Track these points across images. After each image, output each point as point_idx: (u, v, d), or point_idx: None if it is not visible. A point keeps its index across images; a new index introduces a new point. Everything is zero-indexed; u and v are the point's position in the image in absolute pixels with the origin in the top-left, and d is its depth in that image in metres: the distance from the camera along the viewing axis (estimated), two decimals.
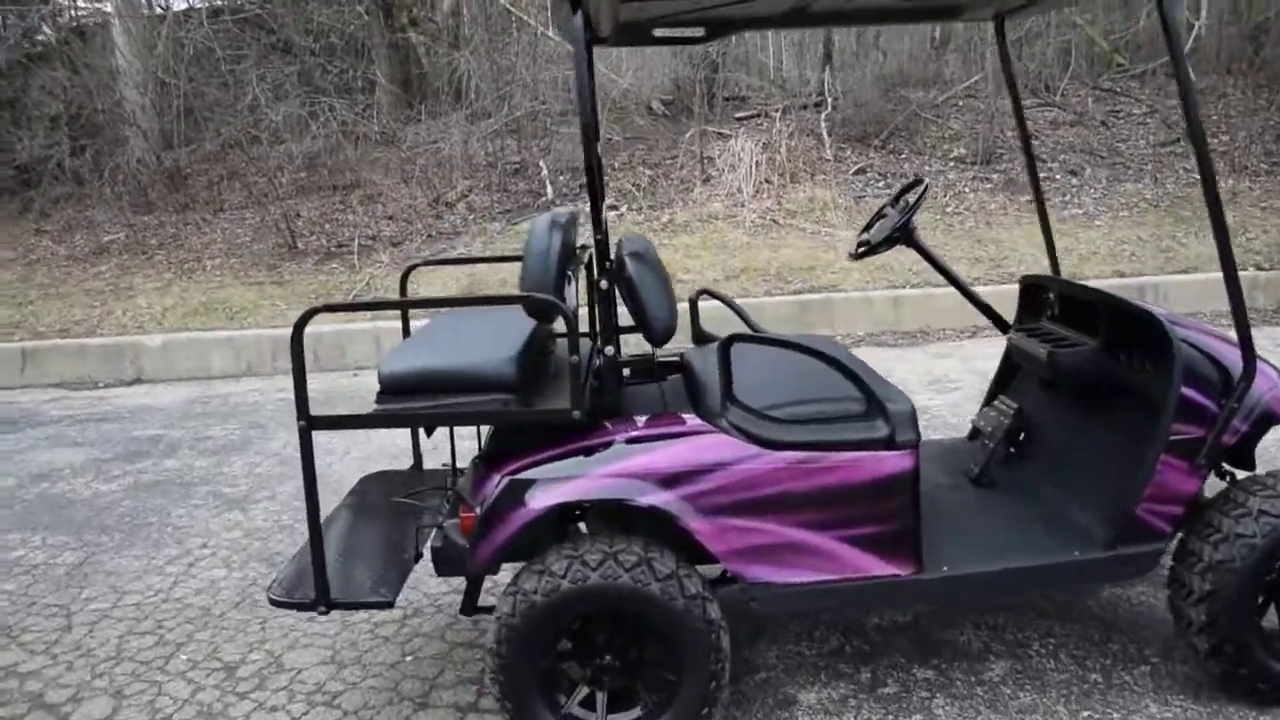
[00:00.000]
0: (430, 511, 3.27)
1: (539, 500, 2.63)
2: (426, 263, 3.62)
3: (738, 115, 11.04)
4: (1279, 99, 10.93)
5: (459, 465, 3.49)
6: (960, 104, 11.25)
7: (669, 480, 2.65)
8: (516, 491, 2.65)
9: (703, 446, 2.68)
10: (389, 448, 5.71)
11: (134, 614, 3.89)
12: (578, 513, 3.02)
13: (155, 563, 4.35)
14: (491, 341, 2.85)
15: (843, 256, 8.63)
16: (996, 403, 3.69)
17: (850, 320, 7.85)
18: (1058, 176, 10.03)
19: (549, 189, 9.92)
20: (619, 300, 2.90)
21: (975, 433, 3.73)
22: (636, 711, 2.76)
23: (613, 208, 9.71)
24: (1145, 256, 8.62)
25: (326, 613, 2.70)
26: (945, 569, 2.81)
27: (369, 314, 7.90)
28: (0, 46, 10.88)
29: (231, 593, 4.03)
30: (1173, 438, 2.83)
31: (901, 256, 8.57)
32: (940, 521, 2.98)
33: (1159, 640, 3.35)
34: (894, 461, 2.71)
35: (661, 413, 2.84)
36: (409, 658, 3.48)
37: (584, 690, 2.75)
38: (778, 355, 3.19)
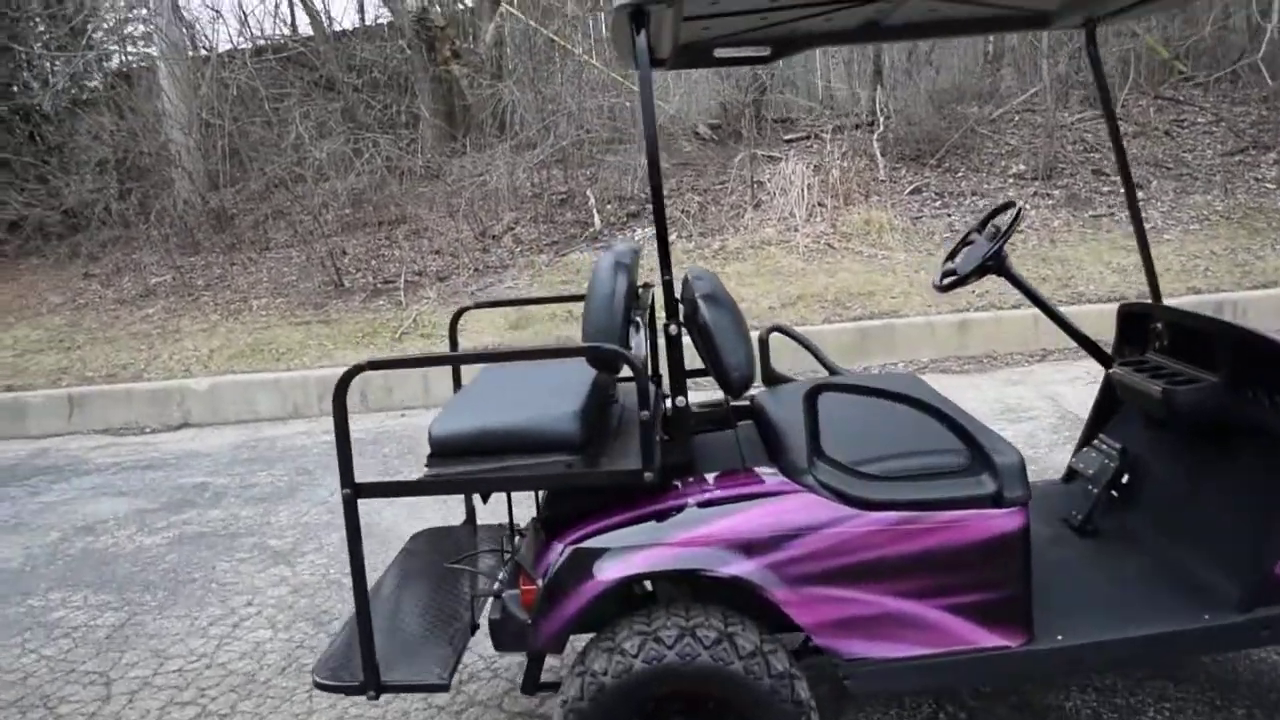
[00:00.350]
0: (485, 577, 3.04)
1: (608, 572, 2.38)
2: (478, 305, 3.40)
3: (787, 137, 10.80)
4: None
5: (516, 523, 3.25)
6: (1017, 118, 10.91)
7: (753, 547, 2.39)
8: (582, 562, 2.40)
9: (789, 508, 2.42)
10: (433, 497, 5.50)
11: (176, 681, 3.68)
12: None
13: (199, 623, 4.15)
14: (550, 395, 2.62)
15: (902, 280, 8.33)
16: (1096, 442, 3.38)
17: (913, 347, 7.53)
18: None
19: (596, 218, 9.73)
20: (685, 343, 2.66)
21: (1072, 474, 3.43)
22: None
23: None
24: (1220, 272, 8.22)
25: (376, 697, 2.47)
26: (1060, 638, 2.52)
27: (417, 349, 7.72)
28: (48, 92, 10.94)
29: (278, 657, 3.82)
30: None
31: None
32: (1047, 579, 2.68)
33: None
34: (1003, 521, 2.43)
35: (740, 470, 2.59)
36: None
37: None
38: (865, 400, 2.93)
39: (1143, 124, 10.70)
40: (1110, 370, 3.17)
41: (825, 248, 9.09)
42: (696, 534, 2.39)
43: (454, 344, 3.53)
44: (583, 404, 2.53)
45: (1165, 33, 11.46)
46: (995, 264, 3.13)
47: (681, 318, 2.45)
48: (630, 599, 2.86)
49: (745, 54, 3.27)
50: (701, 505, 2.44)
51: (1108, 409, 3.50)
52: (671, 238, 9.46)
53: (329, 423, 7.21)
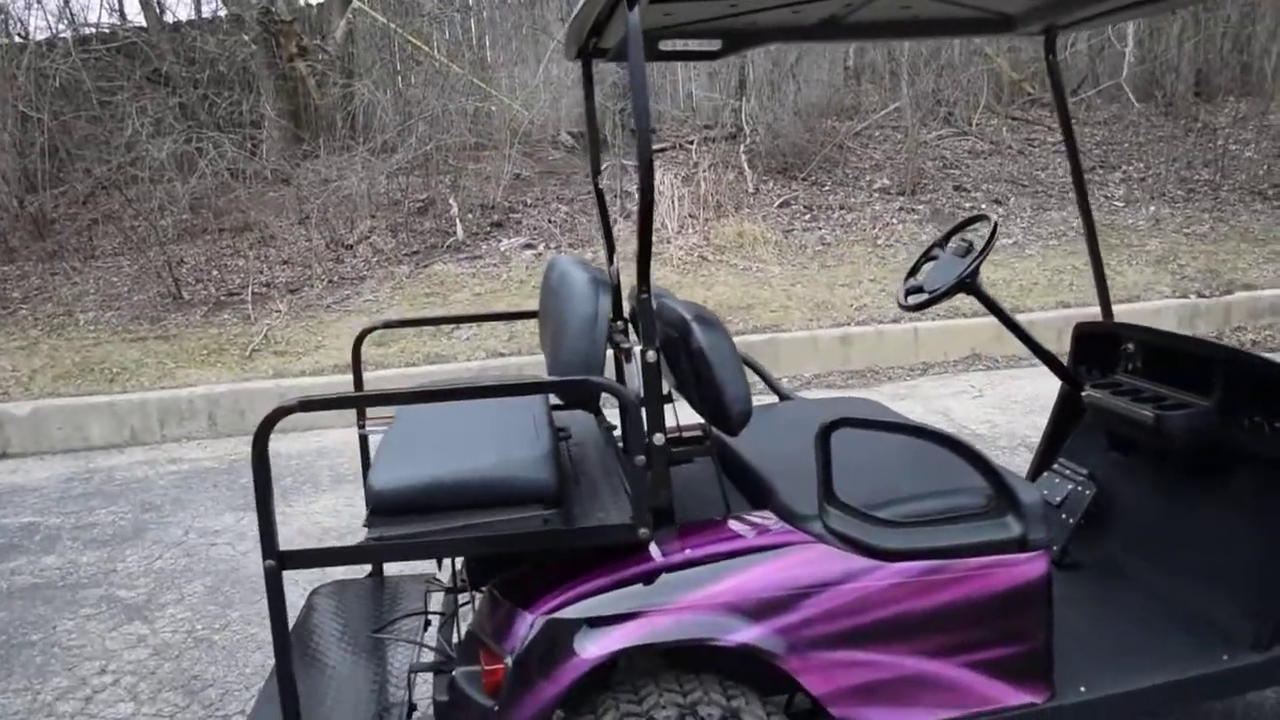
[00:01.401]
0: (413, 644, 2.60)
1: (595, 647, 2.01)
2: (387, 325, 2.94)
3: (654, 148, 10.58)
4: (1193, 126, 11.04)
5: (457, 578, 2.82)
6: (879, 134, 11.02)
7: (761, 610, 2.06)
8: (561, 636, 2.02)
9: (800, 562, 2.10)
10: (313, 528, 4.96)
11: None
12: None
13: (42, 699, 3.53)
14: (503, 437, 2.23)
15: (779, 293, 8.20)
16: (1058, 467, 3.21)
17: (797, 361, 7.39)
18: (983, 206, 9.84)
19: (459, 228, 9.25)
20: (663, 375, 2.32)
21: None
22: None
23: (529, 246, 9.11)
24: (1084, 286, 8.41)
25: None
26: (1083, 689, 2.29)
27: (305, 368, 7.11)
28: None
29: None
30: None
31: (843, 293, 8.19)
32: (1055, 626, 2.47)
33: None
34: (1028, 567, 2.18)
35: (729, 518, 2.26)
36: None
37: None
38: (858, 433, 2.65)
39: (996, 142, 10.98)
40: (1084, 393, 3.00)
41: (699, 260, 8.88)
42: (696, 598, 2.05)
43: (358, 368, 3.07)
44: (549, 445, 2.15)
45: (1015, 56, 11.82)
46: (971, 282, 2.91)
47: (659, 343, 2.10)
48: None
49: (692, 49, 2.97)
50: (696, 564, 2.10)
51: (1062, 431, 3.34)
52: (539, 248, 9.08)
53: (174, 450, 6.52)
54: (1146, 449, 2.99)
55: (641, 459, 1.99)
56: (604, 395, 2.10)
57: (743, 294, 8.19)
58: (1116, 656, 2.44)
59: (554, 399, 2.45)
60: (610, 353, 2.76)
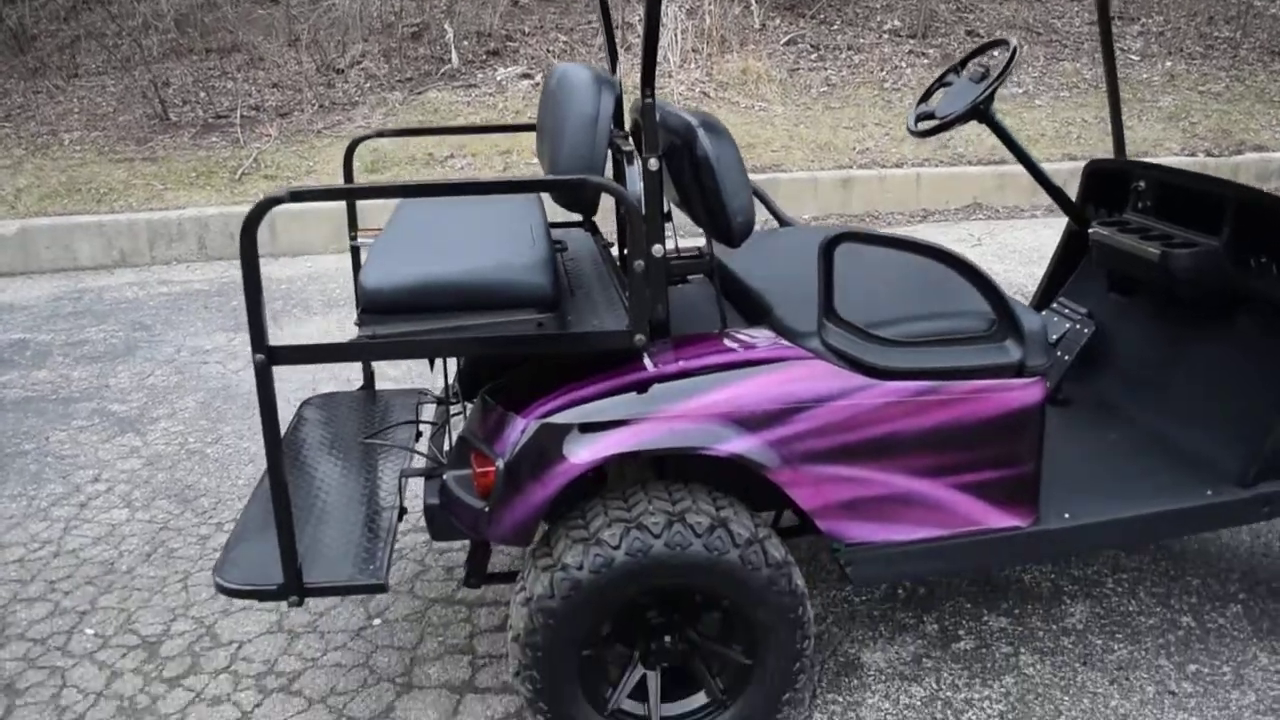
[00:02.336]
0: (405, 452, 2.61)
1: (587, 452, 2.00)
2: (380, 134, 2.84)
3: None
4: None
5: (450, 387, 2.81)
6: None
7: (755, 421, 2.05)
8: (552, 440, 2.01)
9: (796, 378, 2.08)
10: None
11: (17, 574, 3.14)
12: None
13: (37, 504, 3.57)
14: (501, 241, 2.17)
15: (782, 133, 8.02)
16: (1056, 306, 3.18)
17: (797, 203, 7.27)
18: (995, 53, 9.53)
19: (454, 55, 8.95)
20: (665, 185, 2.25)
21: None
22: (700, 699, 2.22)
23: (526, 76, 8.85)
24: (1092, 139, 8.24)
25: (300, 603, 2.05)
26: (1067, 517, 2.31)
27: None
28: None
29: (139, 541, 3.31)
30: None
31: (846, 136, 8.01)
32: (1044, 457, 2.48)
33: (1239, 573, 2.97)
34: (1024, 392, 2.17)
35: (725, 333, 2.22)
36: (376, 621, 2.86)
37: (633, 676, 2.19)
38: (863, 255, 2.60)
39: None
40: (1090, 230, 2.94)
41: (701, 96, 8.65)
42: (689, 407, 2.03)
43: (349, 177, 2.98)
44: (547, 251, 2.10)
45: None
46: (986, 108, 2.81)
47: (662, 151, 2.03)
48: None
49: None
50: (691, 374, 2.08)
51: (1065, 270, 3.29)
52: (536, 78, 8.82)
53: (164, 273, 6.46)
54: (1148, 290, 2.95)
55: (640, 264, 1.94)
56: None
57: (744, 133, 8.00)
58: (1102, 487, 2.45)
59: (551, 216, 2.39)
60: (610, 169, 2.67)
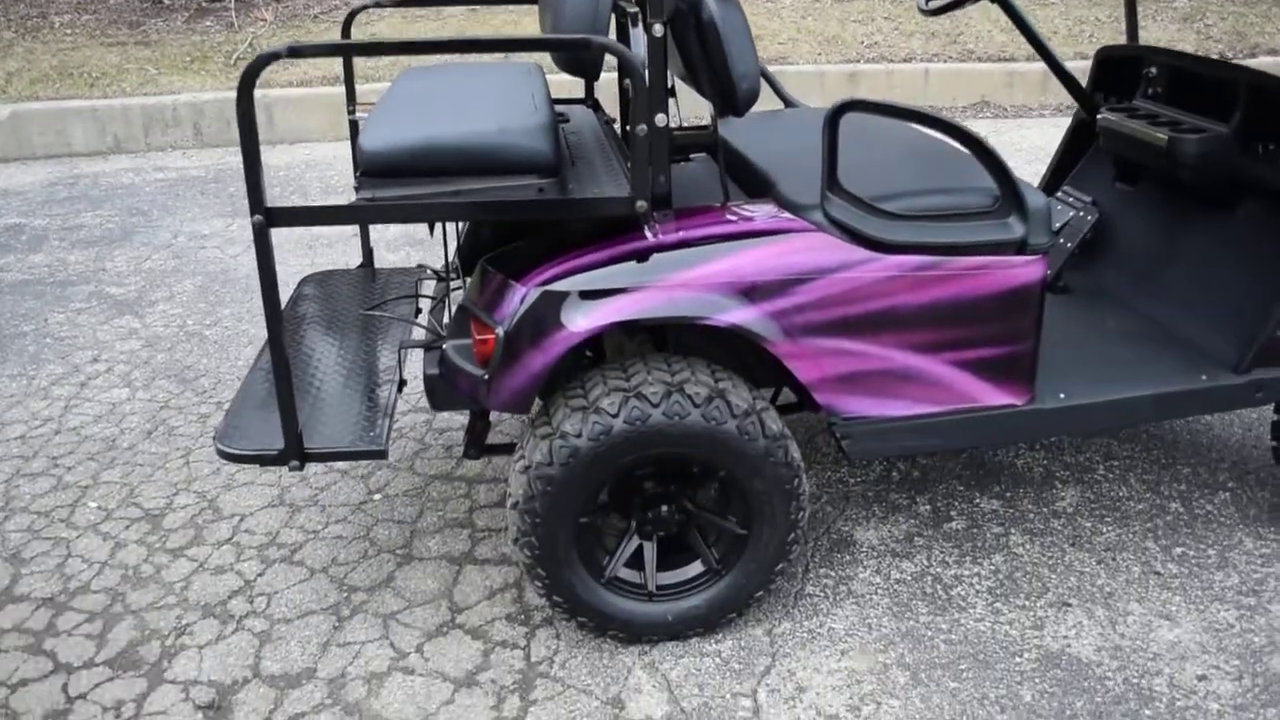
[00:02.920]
0: (405, 325, 2.61)
1: (587, 319, 2.00)
2: (378, 4, 2.77)
3: None
4: None
5: (433, 269, 2.80)
6: None
7: (755, 292, 2.05)
8: (552, 307, 2.01)
9: (797, 249, 2.07)
10: (304, 234, 4.92)
11: (19, 450, 3.17)
12: None
13: (37, 383, 3.59)
14: (502, 106, 2.13)
15: (789, 25, 7.86)
16: (1061, 194, 3.15)
17: (802, 96, 7.08)
18: None
19: None
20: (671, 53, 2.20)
21: None
22: (697, 567, 2.26)
23: None
24: (1105, 38, 8.06)
25: (301, 468, 2.07)
26: (1062, 397, 2.33)
27: (292, 79, 6.84)
28: None
29: (140, 419, 3.33)
30: None
31: (855, 29, 7.85)
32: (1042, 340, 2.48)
33: (1229, 462, 3.00)
34: (1025, 270, 2.16)
35: (727, 205, 2.20)
36: (377, 496, 2.89)
37: (629, 546, 2.23)
38: (868, 129, 2.57)
39: None
40: (1099, 116, 2.89)
41: None
42: (690, 276, 2.03)
43: (349, 67, 2.92)
44: (548, 116, 2.07)
45: None
46: None
47: (667, 16, 1.98)
48: (577, 358, 2.52)
49: None
50: (691, 244, 2.07)
51: (1071, 159, 3.26)
52: None
53: (159, 159, 6.39)
54: (1154, 178, 2.92)
55: (643, 128, 1.92)
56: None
57: (751, 24, 7.83)
58: (1098, 369, 2.46)
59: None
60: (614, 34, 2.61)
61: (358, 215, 1.95)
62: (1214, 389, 2.42)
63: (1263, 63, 7.74)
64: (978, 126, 6.87)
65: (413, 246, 4.71)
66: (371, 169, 1.97)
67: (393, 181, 1.97)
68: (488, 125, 1.99)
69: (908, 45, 7.56)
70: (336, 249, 4.72)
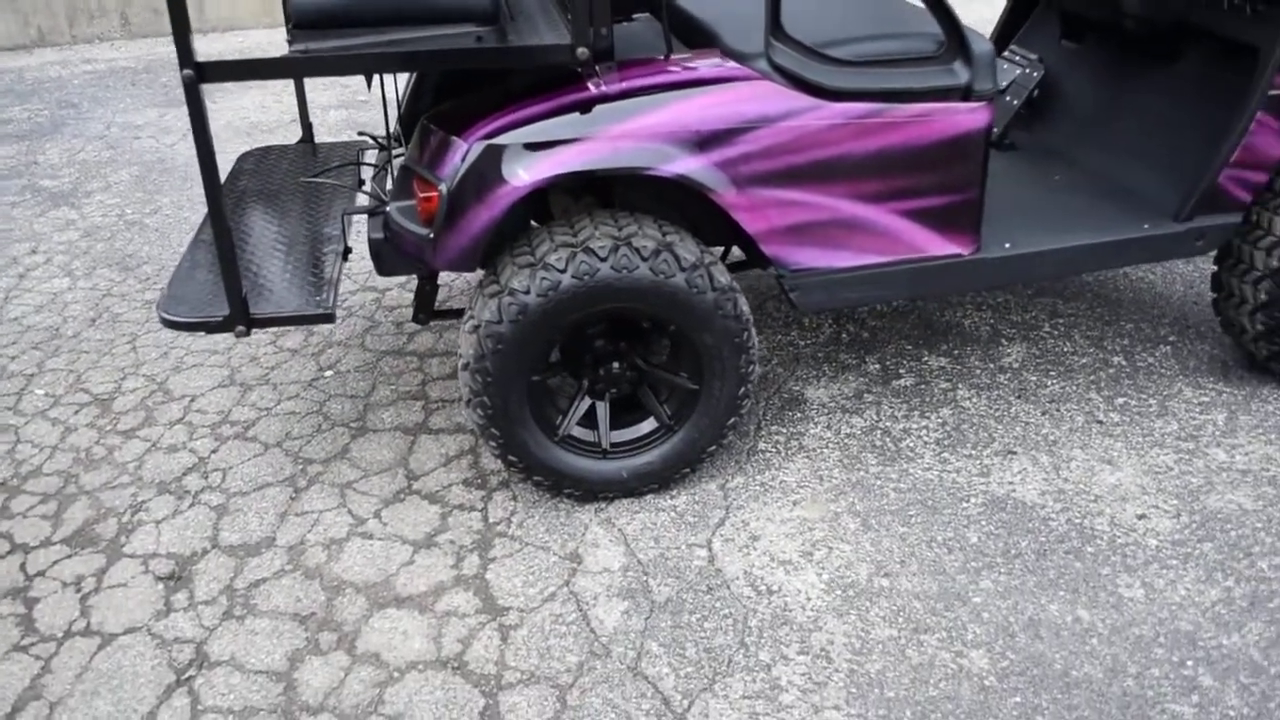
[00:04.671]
0: (347, 193, 2.57)
1: (530, 172, 1.97)
2: None
3: None
4: None
5: (386, 128, 2.74)
6: None
7: (700, 142, 2.02)
8: (497, 161, 1.98)
9: (741, 97, 2.04)
10: (240, 123, 4.79)
11: None
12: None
13: None
14: None
15: None
16: (1007, 54, 3.13)
17: None
18: None
19: None
20: None
21: None
22: (650, 424, 2.28)
23: None
24: None
25: (247, 333, 2.04)
26: (1008, 246, 2.35)
27: None
28: None
29: (83, 308, 3.27)
30: (1271, 92, 2.36)
31: None
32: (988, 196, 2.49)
33: (1170, 318, 3.06)
34: (970, 117, 2.15)
35: (668, 56, 2.17)
36: (328, 372, 2.88)
37: (583, 405, 2.24)
38: None
39: None
40: None
41: None
42: (634, 126, 2.00)
43: None
44: None
45: None
46: None
47: None
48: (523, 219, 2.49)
49: None
50: (634, 95, 2.03)
51: (1019, 18, 3.23)
52: None
53: (87, 51, 6.16)
54: (1100, 34, 2.91)
55: None
56: None
57: None
58: (1043, 221, 2.48)
59: None
60: None
61: (290, 68, 1.89)
62: (1155, 237, 2.45)
63: None
64: None
65: (357, 123, 4.61)
66: (304, 20, 1.91)
67: (326, 33, 1.91)
68: None
69: None
70: (277, 136, 4.60)
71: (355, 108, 4.95)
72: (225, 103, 5.07)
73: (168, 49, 6.06)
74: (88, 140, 4.69)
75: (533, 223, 2.52)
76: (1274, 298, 2.51)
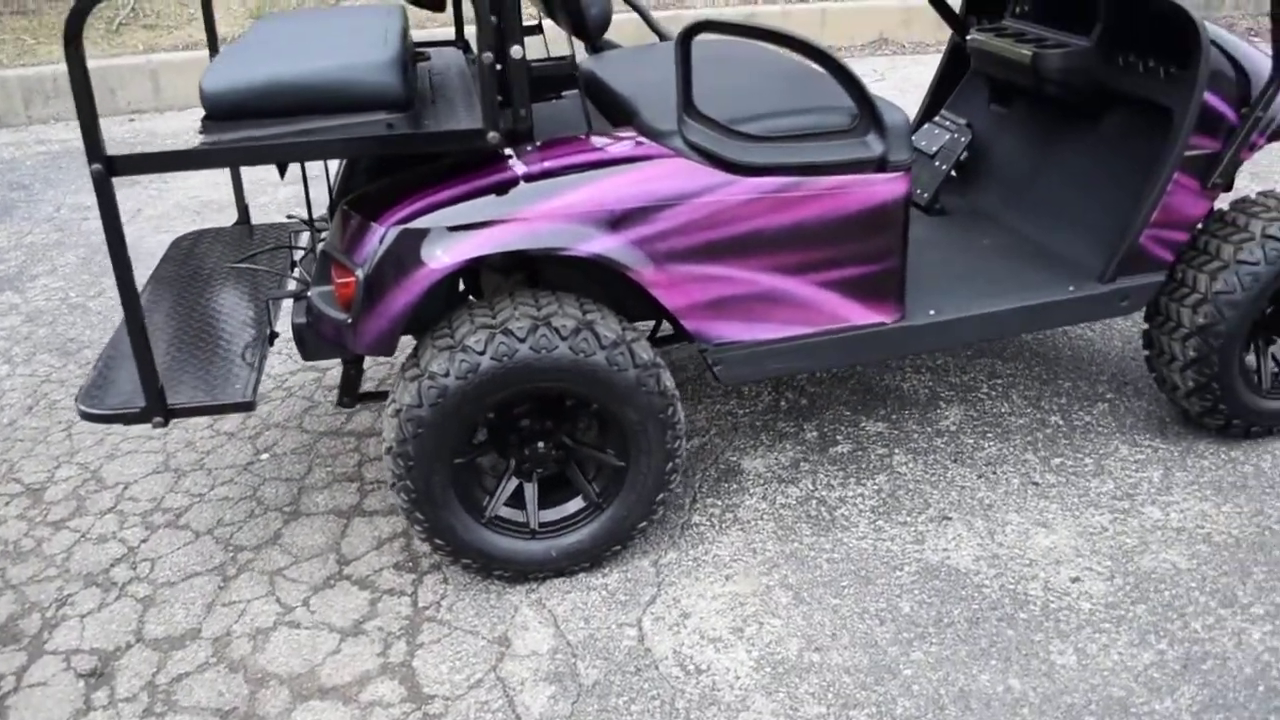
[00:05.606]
0: (276, 278, 2.56)
1: (446, 255, 1.98)
2: None
3: None
4: None
5: (308, 212, 2.75)
6: None
7: (617, 220, 2.04)
8: (413, 245, 1.98)
9: (657, 175, 2.06)
10: (190, 202, 4.80)
11: None
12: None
13: None
14: (352, 43, 2.09)
15: None
16: (939, 119, 3.18)
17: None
18: None
19: None
20: None
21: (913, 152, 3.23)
22: (578, 503, 2.27)
23: None
24: None
25: (165, 424, 2.02)
26: (932, 313, 2.36)
27: (178, 43, 6.63)
28: None
29: (20, 395, 3.24)
30: (1187, 153, 2.40)
31: None
32: (909, 257, 2.52)
33: (1108, 375, 3.08)
34: (887, 187, 2.18)
35: (589, 135, 2.19)
36: (264, 456, 2.85)
37: (509, 485, 2.23)
38: (728, 53, 2.56)
39: None
40: (968, 37, 2.92)
41: None
42: (549, 207, 2.01)
43: (208, 10, 2.83)
44: (398, 52, 2.03)
45: None
46: None
47: None
48: (451, 302, 2.50)
49: None
50: (550, 175, 2.05)
51: (949, 84, 3.29)
52: None
53: (41, 132, 6.16)
54: (1026, 97, 2.97)
55: (489, 56, 1.89)
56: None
57: None
58: (969, 285, 2.50)
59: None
60: None
61: (202, 159, 1.90)
62: (1080, 299, 2.48)
63: None
64: (875, 64, 6.92)
65: (294, 201, 4.62)
66: (215, 111, 1.91)
67: (238, 123, 1.92)
68: (332, 61, 1.95)
69: None
70: (228, 214, 4.61)
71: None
72: (176, 182, 5.08)
73: (121, 127, 6.07)
74: (36, 223, 4.68)
75: (471, 298, 2.53)
76: (1202, 354, 2.53)
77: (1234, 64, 2.43)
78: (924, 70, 6.67)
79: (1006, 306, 2.41)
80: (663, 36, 3.12)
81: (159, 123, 6.08)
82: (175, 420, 2.02)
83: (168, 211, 4.67)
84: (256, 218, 4.47)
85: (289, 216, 2.63)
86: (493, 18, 2.01)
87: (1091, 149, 2.73)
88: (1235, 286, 2.46)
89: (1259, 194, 2.62)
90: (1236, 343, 2.51)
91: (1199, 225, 2.56)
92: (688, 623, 2.17)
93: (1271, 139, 2.52)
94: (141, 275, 3.98)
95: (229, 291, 2.52)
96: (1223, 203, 2.68)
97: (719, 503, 2.56)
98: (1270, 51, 2.44)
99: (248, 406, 2.04)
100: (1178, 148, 2.39)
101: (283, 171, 2.31)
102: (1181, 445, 2.75)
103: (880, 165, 2.17)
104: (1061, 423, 2.86)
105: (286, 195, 4.81)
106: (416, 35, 3.94)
